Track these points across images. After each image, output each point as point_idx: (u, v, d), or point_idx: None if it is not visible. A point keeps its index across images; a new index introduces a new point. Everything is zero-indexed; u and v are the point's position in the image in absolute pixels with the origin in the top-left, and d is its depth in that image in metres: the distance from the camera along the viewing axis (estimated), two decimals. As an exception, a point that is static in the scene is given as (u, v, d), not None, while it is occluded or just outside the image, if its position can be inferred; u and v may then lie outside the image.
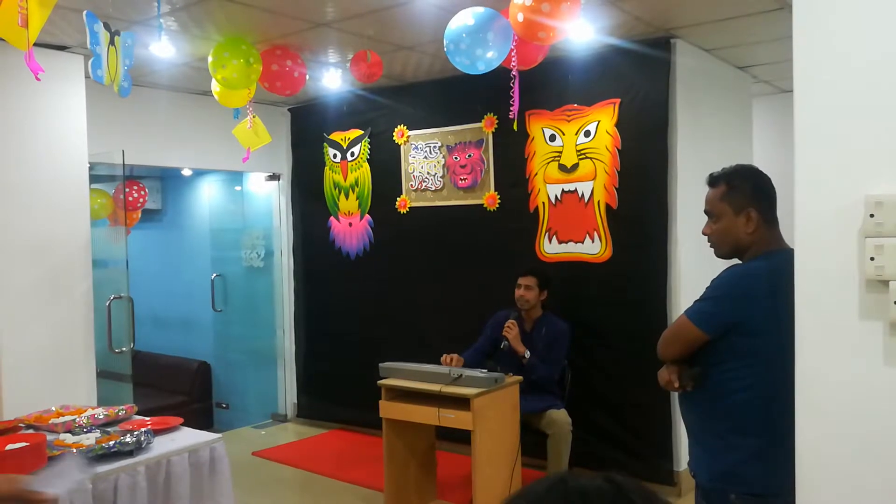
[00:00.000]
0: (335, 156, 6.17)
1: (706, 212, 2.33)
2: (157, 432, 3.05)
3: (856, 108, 1.69)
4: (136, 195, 5.76)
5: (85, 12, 2.85)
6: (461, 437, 4.11)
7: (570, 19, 3.17)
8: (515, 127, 3.53)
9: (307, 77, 4.45)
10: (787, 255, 2.02)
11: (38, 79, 2.47)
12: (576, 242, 4.81)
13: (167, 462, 2.87)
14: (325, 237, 6.27)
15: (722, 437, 2.18)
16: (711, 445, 2.22)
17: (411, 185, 5.66)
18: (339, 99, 5.94)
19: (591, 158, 4.71)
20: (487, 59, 3.26)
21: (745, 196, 2.23)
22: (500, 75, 3.49)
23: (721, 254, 2.33)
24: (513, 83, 3.41)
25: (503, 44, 3.23)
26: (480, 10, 3.25)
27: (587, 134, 4.72)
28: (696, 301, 2.23)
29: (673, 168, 4.49)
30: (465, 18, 3.25)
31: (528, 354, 4.36)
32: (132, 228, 5.68)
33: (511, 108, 3.39)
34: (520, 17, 3.12)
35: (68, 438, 2.86)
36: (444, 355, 4.38)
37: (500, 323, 4.52)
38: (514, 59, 3.34)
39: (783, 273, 2.04)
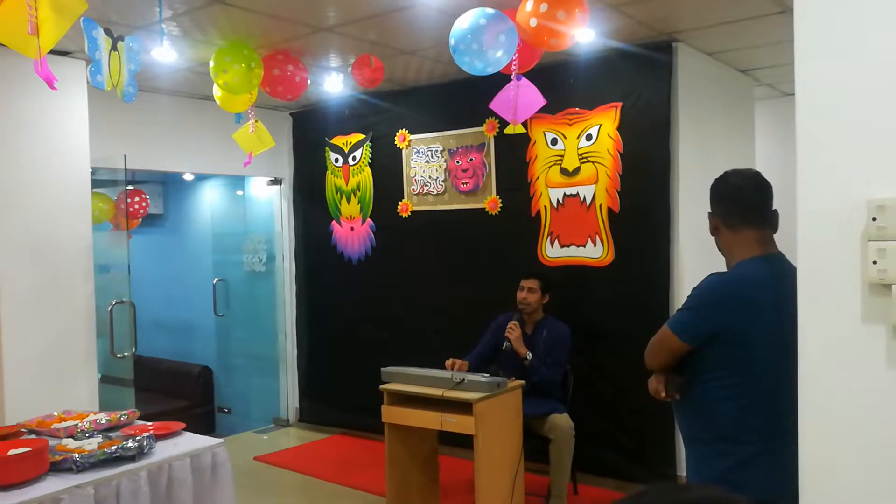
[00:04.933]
0: (337, 160, 6.17)
1: None
2: (159, 437, 3.04)
3: (858, 111, 1.69)
4: (137, 206, 5.76)
5: (82, 18, 2.84)
6: (463, 442, 4.10)
7: (582, 25, 3.17)
8: (512, 130, 3.52)
9: (309, 81, 4.46)
10: (771, 260, 2.02)
11: (53, 87, 2.43)
12: (578, 246, 4.81)
13: (169, 467, 2.87)
14: (327, 241, 6.27)
15: (710, 444, 2.18)
16: (701, 452, 2.22)
17: (413, 189, 5.67)
18: (341, 103, 5.94)
19: (592, 162, 4.71)
20: (497, 59, 3.25)
21: (711, 202, 2.29)
22: (502, 79, 3.49)
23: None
24: (514, 88, 3.41)
25: (510, 45, 3.23)
26: (490, 10, 3.25)
27: (589, 137, 4.72)
28: (678, 310, 2.24)
29: (675, 171, 4.49)
30: (476, 18, 3.23)
31: (529, 356, 4.36)
32: (133, 233, 5.68)
33: (514, 113, 3.40)
34: (533, 23, 3.12)
35: (70, 443, 2.85)
36: (449, 360, 4.38)
37: (501, 326, 4.52)
38: (515, 63, 3.34)
39: (767, 279, 2.03)
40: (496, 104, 3.52)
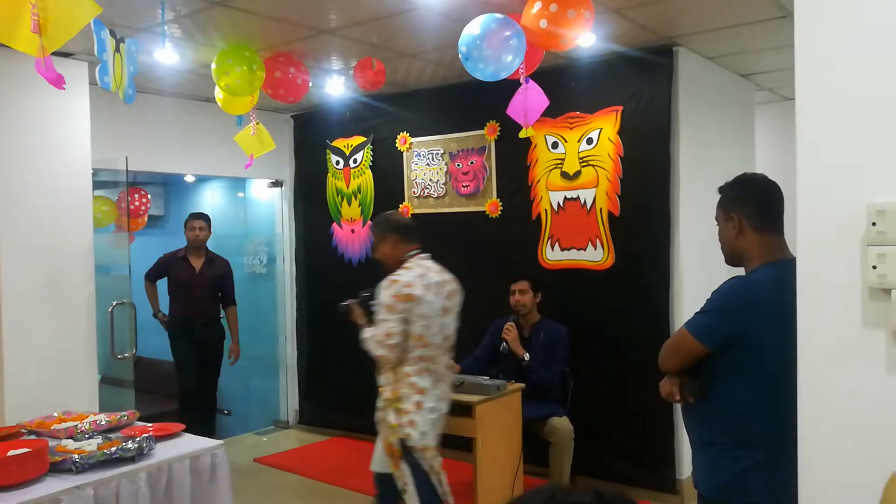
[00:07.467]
0: (338, 162, 6.18)
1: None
2: (159, 438, 3.04)
3: (858, 116, 1.69)
4: (138, 203, 5.78)
5: (92, 20, 2.86)
6: (463, 444, 4.11)
7: (590, 24, 3.18)
8: (525, 133, 3.53)
9: (310, 84, 4.47)
10: (789, 265, 2.02)
11: (61, 87, 2.39)
12: (578, 250, 4.82)
13: (168, 468, 2.87)
14: (328, 243, 6.27)
15: (723, 449, 2.17)
16: (714, 456, 2.21)
17: (414, 191, 5.67)
18: (342, 106, 5.95)
19: (593, 166, 4.72)
20: (508, 63, 3.25)
21: (730, 202, 2.26)
22: (502, 82, 3.50)
23: (726, 260, 2.34)
24: (524, 91, 3.42)
25: (520, 49, 3.24)
26: (498, 15, 3.25)
27: (589, 141, 4.73)
28: (696, 313, 2.23)
29: (675, 175, 4.49)
30: (486, 23, 3.23)
31: (527, 357, 4.37)
32: (135, 234, 5.69)
33: (525, 117, 3.41)
34: (543, 24, 3.12)
35: (70, 444, 2.85)
36: None
37: (498, 330, 4.54)
38: (522, 67, 3.34)
39: (783, 284, 2.03)
40: (511, 109, 3.53)
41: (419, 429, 3.24)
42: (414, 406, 3.26)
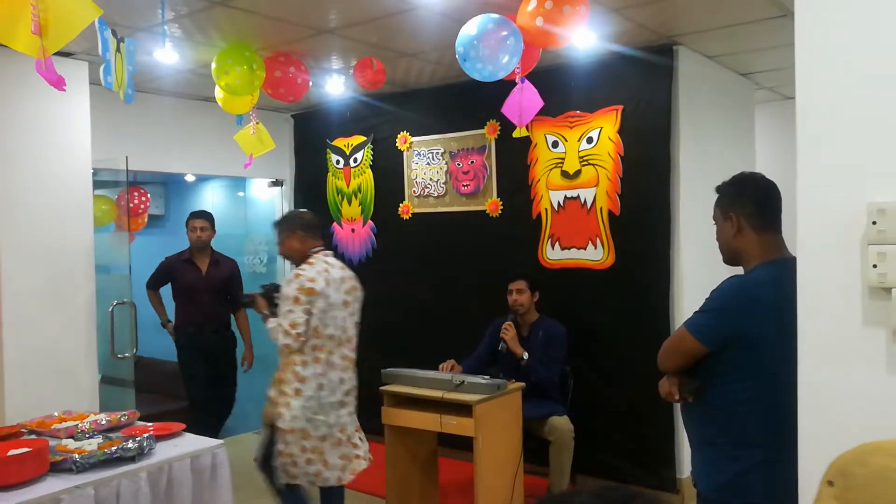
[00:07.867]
0: (338, 162, 6.18)
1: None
2: (160, 438, 3.05)
3: (858, 115, 1.69)
4: (138, 201, 5.78)
5: (97, 19, 2.86)
6: (463, 444, 4.11)
7: (585, 19, 3.19)
8: (519, 133, 3.54)
9: (310, 83, 4.47)
10: (787, 265, 2.02)
11: (62, 89, 2.39)
12: (578, 249, 4.82)
13: (169, 468, 2.88)
14: (328, 243, 6.27)
15: (723, 449, 2.17)
16: (713, 456, 2.21)
17: (414, 191, 5.67)
18: (342, 105, 5.95)
19: (593, 165, 4.72)
20: (505, 63, 3.25)
21: (729, 201, 2.27)
22: (501, 82, 3.50)
23: (724, 260, 2.34)
24: (519, 91, 3.42)
25: (517, 48, 3.24)
26: (495, 15, 3.25)
27: (590, 140, 4.73)
28: (695, 312, 2.23)
29: (675, 174, 4.49)
30: (483, 24, 3.22)
31: (525, 356, 4.37)
32: (135, 234, 5.68)
33: (519, 116, 3.41)
34: (539, 22, 3.12)
35: (70, 444, 2.86)
36: (442, 363, 4.42)
37: (497, 330, 4.55)
38: (518, 67, 3.34)
39: (782, 283, 2.04)
40: (506, 109, 3.54)
41: (292, 412, 3.47)
42: (293, 391, 3.49)
